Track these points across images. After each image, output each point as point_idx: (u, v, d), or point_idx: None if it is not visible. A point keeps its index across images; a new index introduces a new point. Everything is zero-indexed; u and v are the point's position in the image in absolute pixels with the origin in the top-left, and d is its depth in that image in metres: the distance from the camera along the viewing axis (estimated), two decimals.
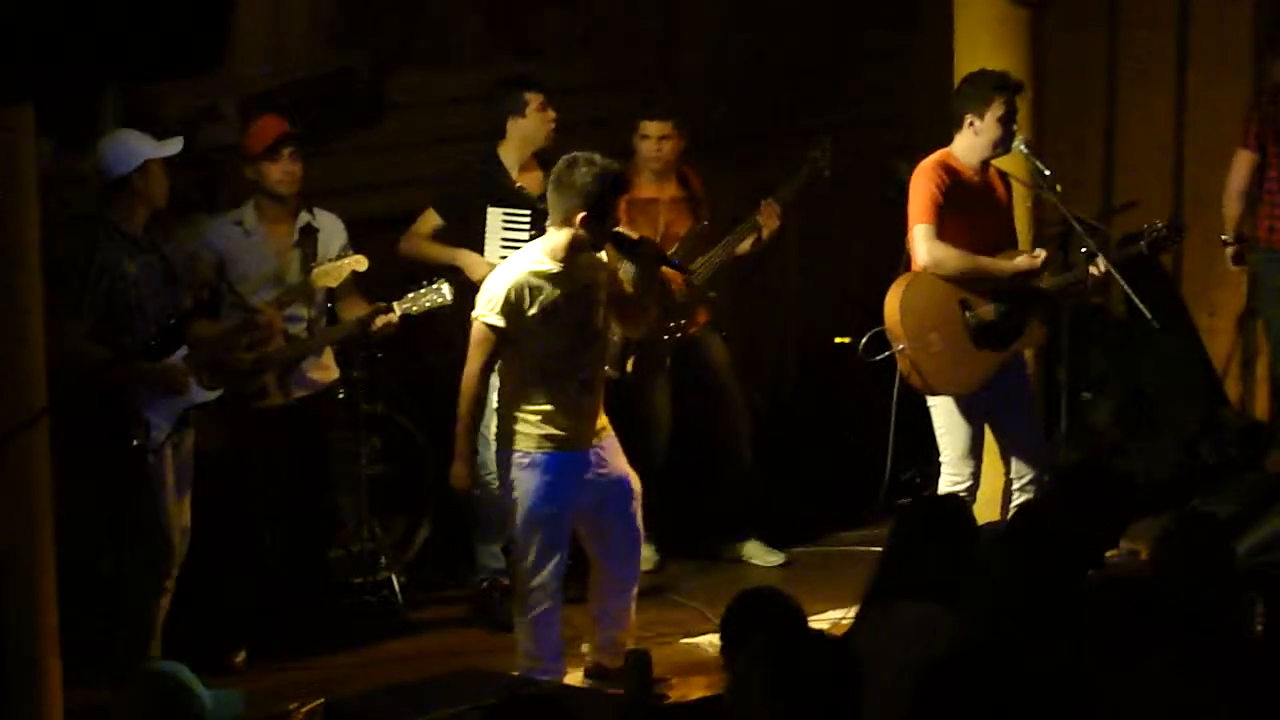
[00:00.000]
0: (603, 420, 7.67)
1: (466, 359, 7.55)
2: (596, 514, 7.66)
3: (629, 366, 8.76)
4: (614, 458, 7.67)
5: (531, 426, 7.49)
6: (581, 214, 7.38)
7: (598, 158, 7.44)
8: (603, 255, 7.63)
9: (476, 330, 7.51)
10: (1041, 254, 8.30)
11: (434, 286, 8.17)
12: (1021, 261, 8.24)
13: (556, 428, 7.49)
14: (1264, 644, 5.87)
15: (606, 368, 7.93)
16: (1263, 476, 9.51)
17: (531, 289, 7.42)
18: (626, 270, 7.76)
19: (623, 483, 7.68)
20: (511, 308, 7.41)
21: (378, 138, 9.52)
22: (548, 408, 7.48)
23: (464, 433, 7.55)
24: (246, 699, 5.40)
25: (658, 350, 9.02)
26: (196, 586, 7.92)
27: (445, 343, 8.76)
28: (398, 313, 8.15)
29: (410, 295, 8.17)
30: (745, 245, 9.14)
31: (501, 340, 7.45)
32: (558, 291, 7.44)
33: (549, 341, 7.45)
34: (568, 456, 7.52)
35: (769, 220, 9.11)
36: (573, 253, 7.46)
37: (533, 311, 7.42)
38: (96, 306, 7.53)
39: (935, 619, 5.74)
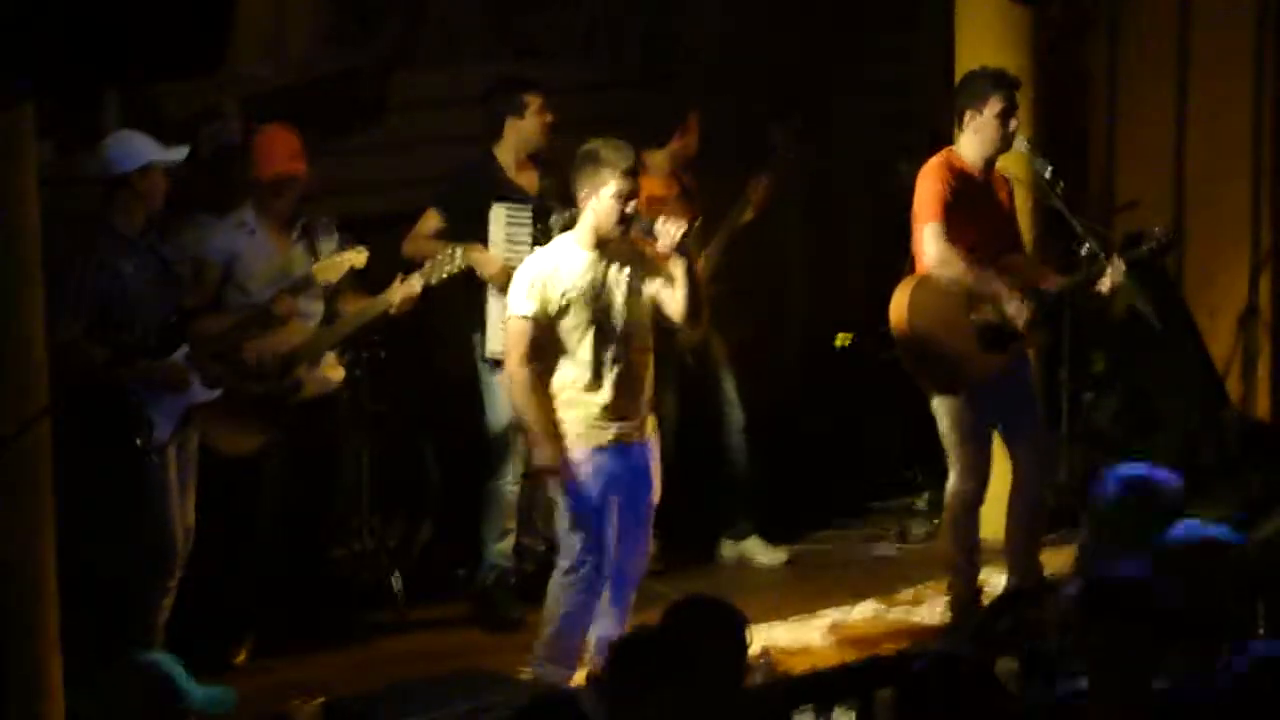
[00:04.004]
0: (651, 422, 7.59)
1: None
2: (610, 516, 7.55)
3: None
4: (649, 464, 7.57)
5: (564, 423, 7.44)
6: (593, 198, 7.32)
7: (605, 142, 7.39)
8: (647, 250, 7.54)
9: (511, 325, 7.49)
10: (1027, 312, 8.22)
11: (447, 253, 8.20)
12: (1010, 309, 8.18)
13: (586, 422, 7.43)
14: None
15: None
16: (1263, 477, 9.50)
17: (560, 278, 7.38)
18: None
19: (647, 493, 7.59)
20: (540, 296, 7.38)
21: (379, 137, 9.51)
22: (579, 401, 7.42)
23: (528, 423, 7.51)
24: (246, 699, 5.37)
25: (676, 349, 8.94)
26: (198, 586, 7.93)
27: (448, 343, 8.78)
28: (419, 284, 8.16)
29: (426, 266, 8.18)
30: (740, 219, 9.13)
31: (535, 330, 7.41)
32: (585, 281, 7.40)
33: (577, 332, 7.40)
34: (598, 452, 7.44)
35: (757, 194, 9.10)
36: (600, 241, 7.41)
37: (560, 300, 7.38)
38: (93, 306, 7.53)
39: None
